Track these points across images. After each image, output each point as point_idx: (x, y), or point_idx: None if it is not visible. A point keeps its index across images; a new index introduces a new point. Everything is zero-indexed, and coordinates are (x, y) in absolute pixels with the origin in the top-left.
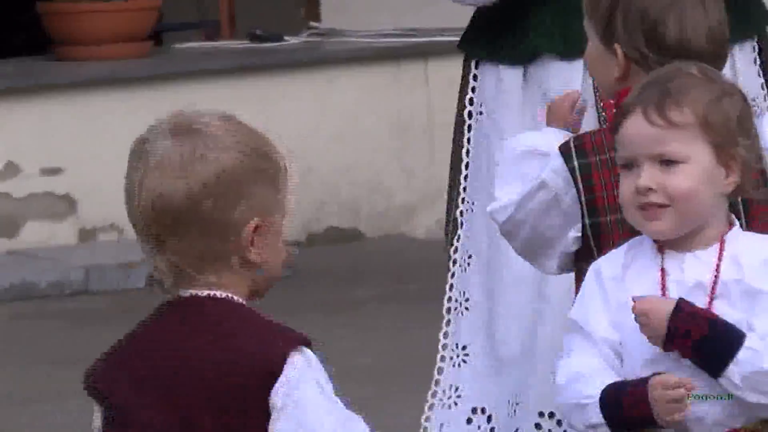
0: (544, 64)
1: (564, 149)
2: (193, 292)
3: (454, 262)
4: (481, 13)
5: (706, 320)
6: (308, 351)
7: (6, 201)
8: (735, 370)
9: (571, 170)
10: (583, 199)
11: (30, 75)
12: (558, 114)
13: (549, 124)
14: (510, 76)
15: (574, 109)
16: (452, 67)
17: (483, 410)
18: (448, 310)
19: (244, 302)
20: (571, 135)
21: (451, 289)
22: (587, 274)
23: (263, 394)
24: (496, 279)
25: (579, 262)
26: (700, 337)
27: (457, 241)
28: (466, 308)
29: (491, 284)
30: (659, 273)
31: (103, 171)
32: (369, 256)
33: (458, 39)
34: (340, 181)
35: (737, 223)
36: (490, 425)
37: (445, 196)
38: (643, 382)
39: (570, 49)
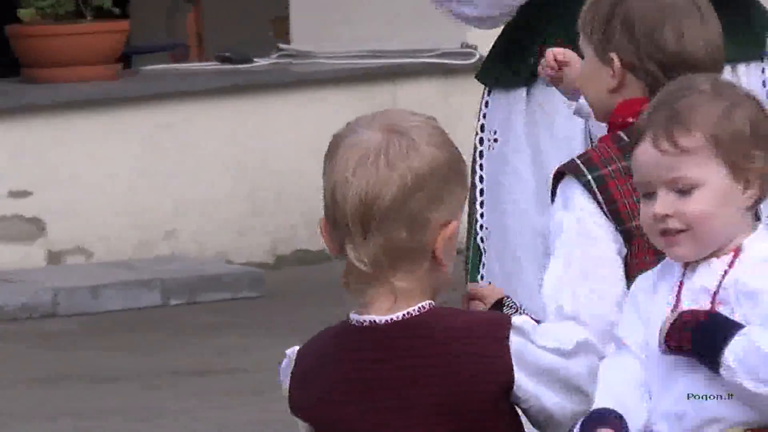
0: (545, 83)
1: (572, 168)
2: (389, 317)
3: None
4: (495, 43)
5: (705, 312)
6: (514, 322)
7: None
8: (729, 355)
9: (586, 184)
10: (605, 209)
11: None
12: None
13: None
14: (515, 99)
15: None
16: (420, 89)
17: None
18: None
19: (433, 304)
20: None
21: None
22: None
23: (506, 393)
24: None
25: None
26: (697, 323)
27: (483, 268)
28: None
29: None
30: (678, 283)
31: (72, 193)
32: (338, 276)
33: (425, 61)
34: (311, 200)
35: (759, 227)
36: None
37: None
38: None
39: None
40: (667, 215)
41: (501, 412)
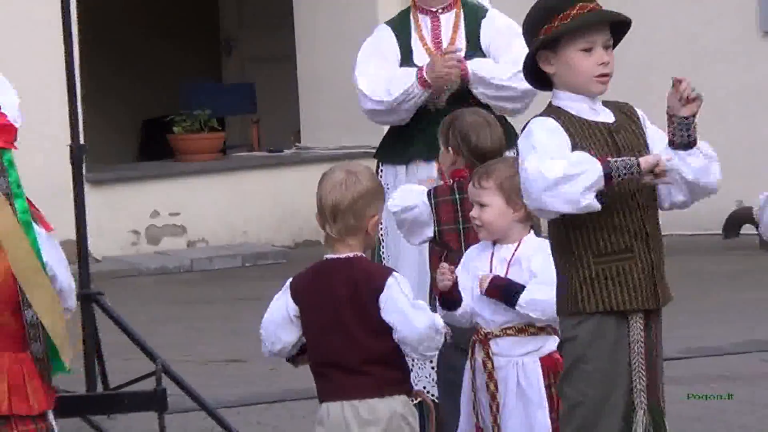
0: (416, 164)
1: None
2: (341, 255)
3: None
4: (387, 132)
5: (505, 279)
6: (396, 274)
7: (154, 228)
8: (521, 301)
9: (431, 203)
10: (434, 217)
11: (161, 168)
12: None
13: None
14: (399, 171)
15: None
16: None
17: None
18: None
19: (363, 255)
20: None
21: None
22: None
23: (377, 297)
24: None
25: (435, 246)
26: (502, 285)
27: (383, 248)
28: None
29: None
30: (490, 254)
31: (198, 212)
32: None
33: (371, 151)
34: (311, 216)
35: (533, 232)
36: None
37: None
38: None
39: (430, 154)
40: (475, 218)
41: (374, 306)
